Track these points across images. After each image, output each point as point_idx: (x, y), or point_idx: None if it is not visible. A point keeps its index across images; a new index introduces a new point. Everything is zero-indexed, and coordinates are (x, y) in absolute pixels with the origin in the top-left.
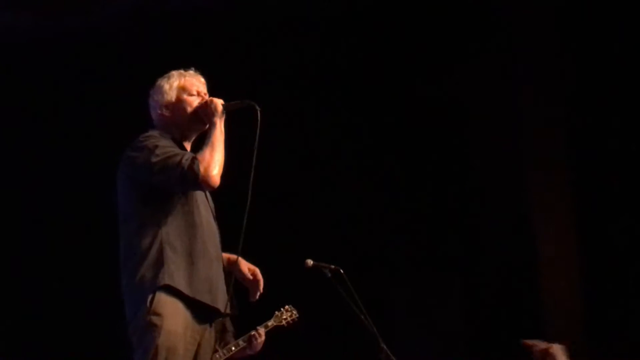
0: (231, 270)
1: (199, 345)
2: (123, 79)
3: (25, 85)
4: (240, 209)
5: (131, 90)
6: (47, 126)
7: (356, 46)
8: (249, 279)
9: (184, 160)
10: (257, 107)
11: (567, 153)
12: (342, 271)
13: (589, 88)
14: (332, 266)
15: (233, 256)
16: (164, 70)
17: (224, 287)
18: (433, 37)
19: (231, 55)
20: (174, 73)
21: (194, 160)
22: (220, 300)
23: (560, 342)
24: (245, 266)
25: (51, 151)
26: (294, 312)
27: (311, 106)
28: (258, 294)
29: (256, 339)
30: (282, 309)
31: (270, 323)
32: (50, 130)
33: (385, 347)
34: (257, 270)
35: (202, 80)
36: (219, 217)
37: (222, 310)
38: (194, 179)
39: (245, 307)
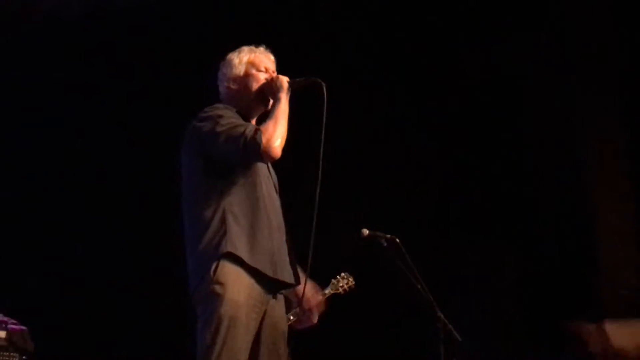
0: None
1: (265, 315)
2: (177, 54)
3: (78, 61)
4: (303, 181)
5: (187, 66)
6: (101, 104)
7: (411, 13)
8: (302, 308)
9: (247, 131)
10: (323, 84)
11: (624, 121)
12: (398, 240)
13: None
14: (388, 235)
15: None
16: (227, 45)
17: (287, 258)
18: (487, 7)
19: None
20: (245, 48)
21: (256, 131)
22: (283, 271)
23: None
24: (309, 292)
25: (109, 129)
26: (350, 279)
27: (364, 76)
28: (304, 326)
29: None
30: (338, 277)
31: (327, 291)
32: (104, 108)
33: (442, 315)
34: (314, 306)
35: (272, 57)
36: (282, 191)
37: (287, 281)
38: (256, 150)
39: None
